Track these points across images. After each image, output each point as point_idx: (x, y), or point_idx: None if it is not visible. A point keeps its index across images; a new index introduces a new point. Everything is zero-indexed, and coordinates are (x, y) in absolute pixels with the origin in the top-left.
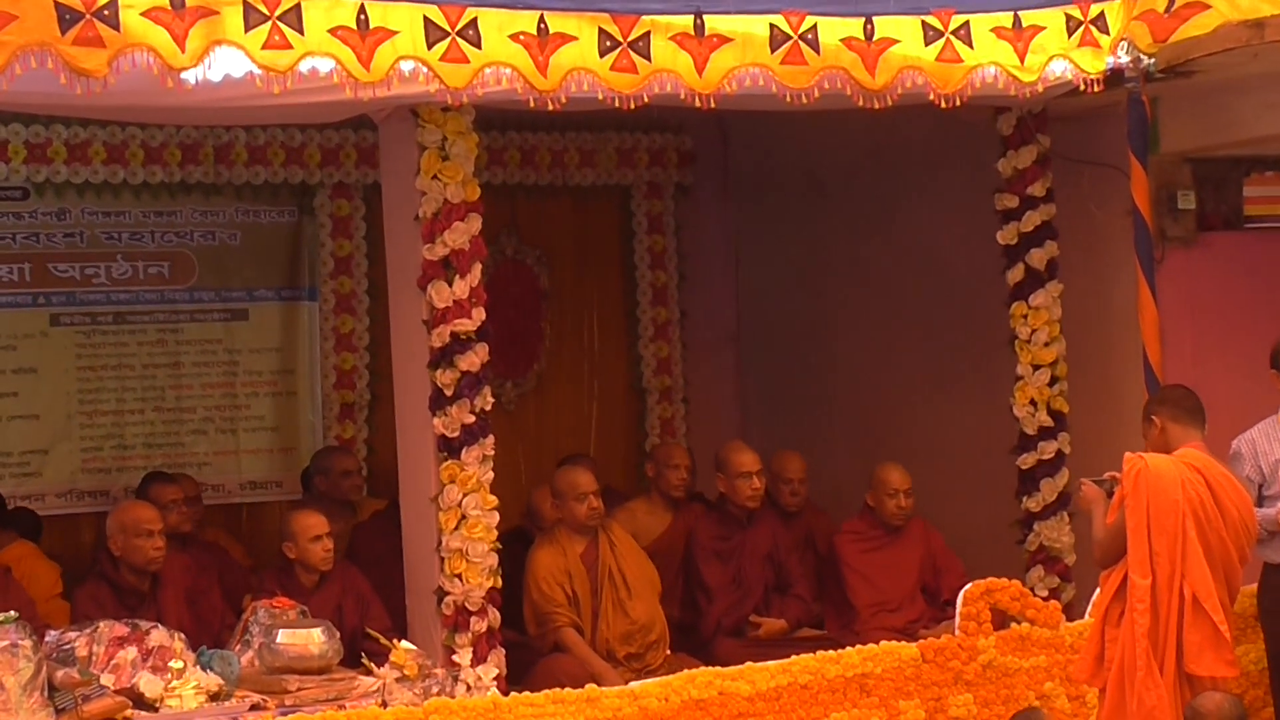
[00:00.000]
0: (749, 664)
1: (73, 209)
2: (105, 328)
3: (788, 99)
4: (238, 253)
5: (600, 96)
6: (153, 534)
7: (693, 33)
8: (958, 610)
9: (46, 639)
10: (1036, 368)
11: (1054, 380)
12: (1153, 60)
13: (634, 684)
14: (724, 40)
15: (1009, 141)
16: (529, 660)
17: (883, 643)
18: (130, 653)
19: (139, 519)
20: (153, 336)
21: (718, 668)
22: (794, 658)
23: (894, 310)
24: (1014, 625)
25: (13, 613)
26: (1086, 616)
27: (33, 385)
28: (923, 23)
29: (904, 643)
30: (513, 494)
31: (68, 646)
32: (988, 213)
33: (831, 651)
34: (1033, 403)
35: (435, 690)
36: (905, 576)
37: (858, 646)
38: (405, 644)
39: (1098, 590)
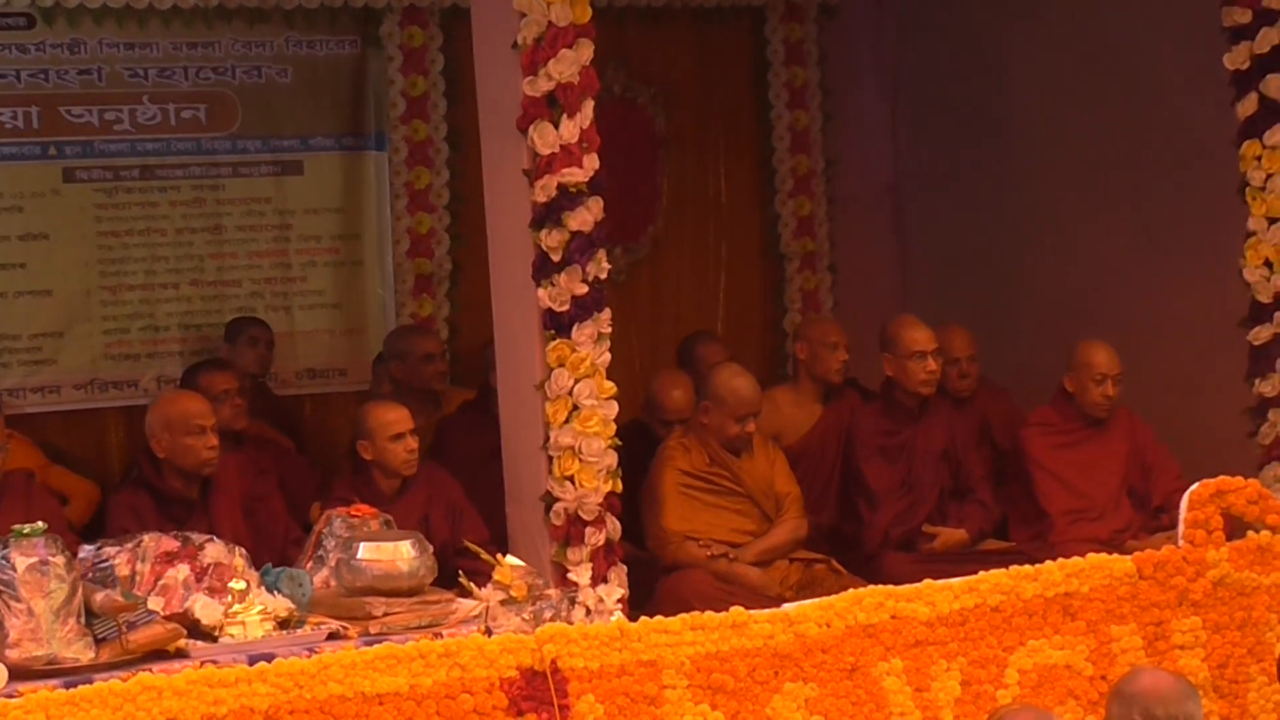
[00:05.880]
0: (927, 582)
1: (88, 40)
2: (130, 184)
3: None
4: (289, 92)
5: None
6: (205, 430)
7: None
8: (1181, 516)
9: (80, 554)
10: (1273, 221)
11: None
12: None
13: (788, 606)
14: None
15: None
16: (648, 579)
17: (1090, 555)
18: (181, 571)
19: (188, 413)
20: (188, 195)
21: (890, 586)
22: (981, 574)
23: (1093, 152)
24: (1250, 534)
25: (40, 524)
26: None
27: (44, 254)
28: None
29: (1116, 555)
30: (625, 380)
31: (105, 564)
32: (1212, 30)
33: (1028, 566)
34: (1268, 263)
35: (548, 615)
36: (1108, 477)
37: (1059, 560)
38: (511, 559)
39: None
